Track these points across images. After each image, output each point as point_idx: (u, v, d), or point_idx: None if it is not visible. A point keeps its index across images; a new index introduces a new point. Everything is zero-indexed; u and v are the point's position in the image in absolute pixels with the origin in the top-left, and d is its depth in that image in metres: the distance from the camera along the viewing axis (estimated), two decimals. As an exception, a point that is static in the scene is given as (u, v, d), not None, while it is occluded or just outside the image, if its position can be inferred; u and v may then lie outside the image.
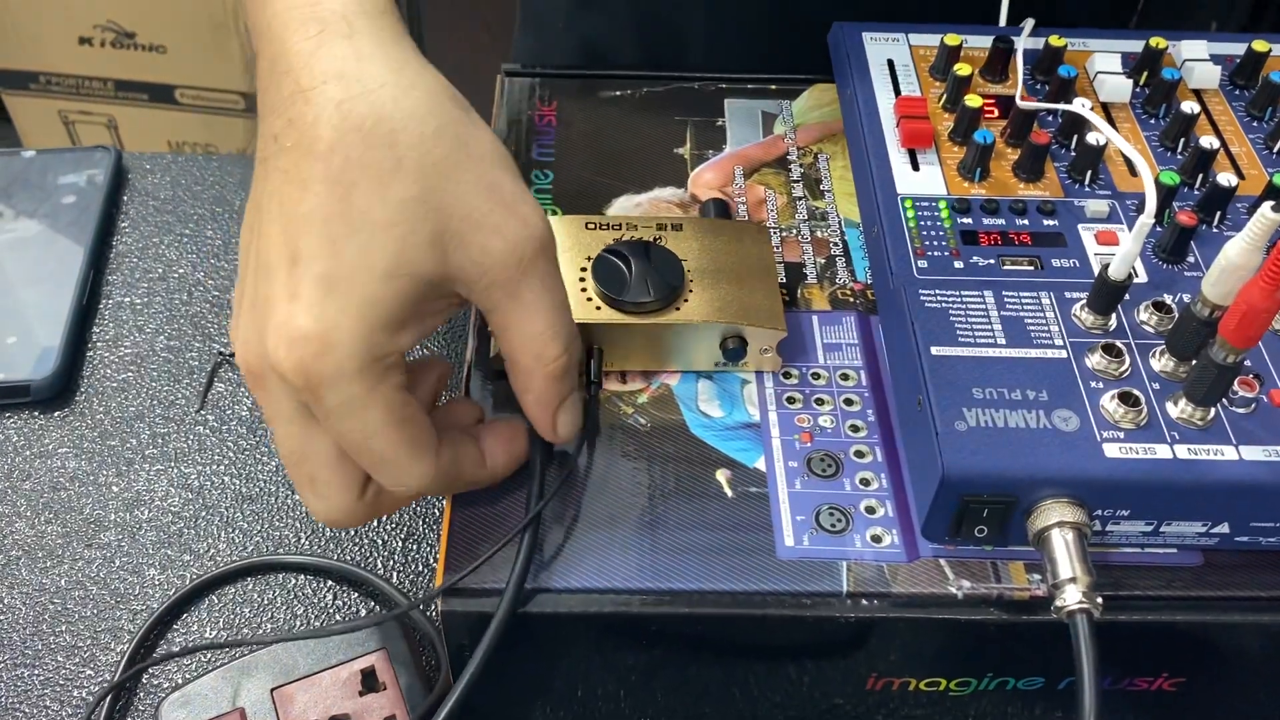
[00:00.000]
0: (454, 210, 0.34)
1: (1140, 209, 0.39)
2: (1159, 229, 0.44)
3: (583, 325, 0.41)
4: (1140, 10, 0.70)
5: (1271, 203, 0.34)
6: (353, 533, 0.51)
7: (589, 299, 0.42)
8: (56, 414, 0.55)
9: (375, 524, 0.51)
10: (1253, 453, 0.37)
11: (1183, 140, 0.47)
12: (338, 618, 0.48)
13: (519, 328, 0.36)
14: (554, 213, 0.50)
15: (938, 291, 0.41)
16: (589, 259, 0.43)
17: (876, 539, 0.39)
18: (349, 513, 0.37)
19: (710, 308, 0.42)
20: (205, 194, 0.66)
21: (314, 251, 0.34)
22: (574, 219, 0.45)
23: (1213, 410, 0.37)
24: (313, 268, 0.33)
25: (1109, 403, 0.37)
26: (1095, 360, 0.39)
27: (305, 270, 0.33)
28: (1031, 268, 0.42)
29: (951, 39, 0.51)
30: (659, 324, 0.42)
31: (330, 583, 0.49)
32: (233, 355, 0.57)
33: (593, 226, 0.45)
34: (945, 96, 0.50)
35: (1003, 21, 0.54)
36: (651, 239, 0.44)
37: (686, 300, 0.43)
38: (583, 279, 0.43)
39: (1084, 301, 0.40)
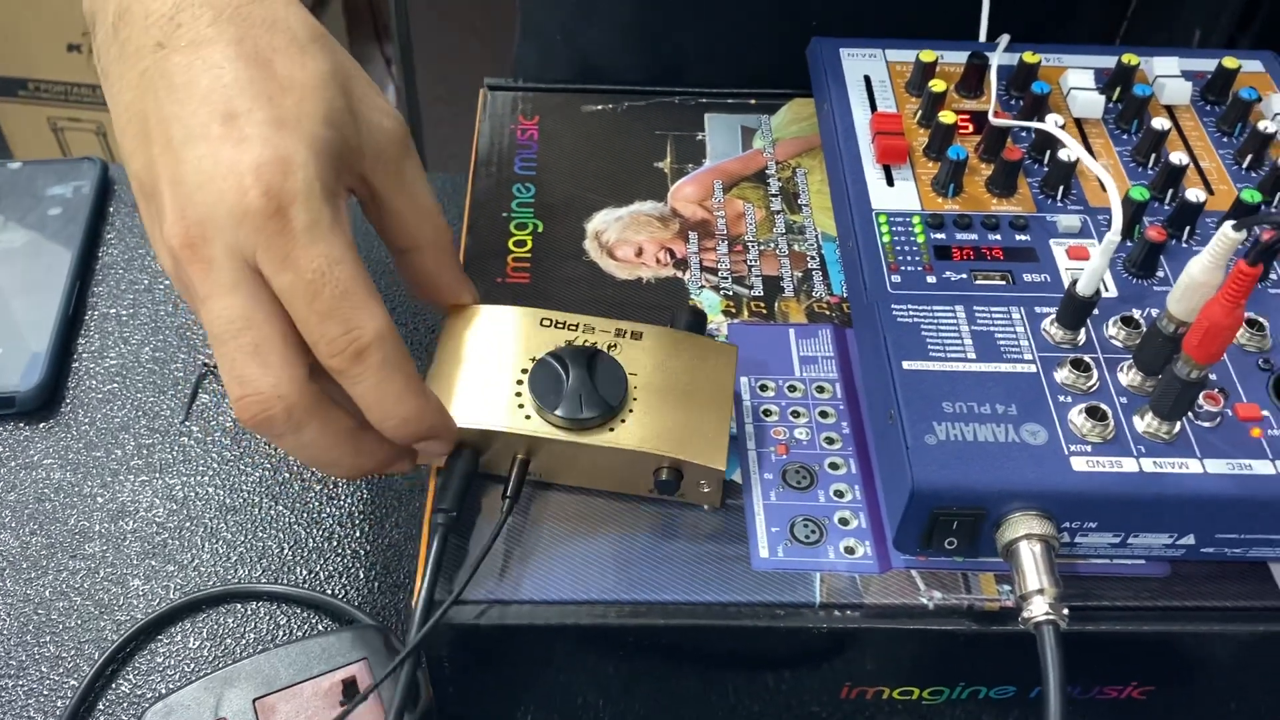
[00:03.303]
0: (354, 91, 0.39)
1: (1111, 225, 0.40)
2: (1129, 244, 0.44)
3: (509, 434, 0.40)
4: (1129, 18, 0.71)
5: (1233, 222, 0.35)
6: (334, 542, 0.51)
7: (520, 405, 0.40)
8: (41, 425, 0.55)
9: (357, 535, 0.52)
10: (1217, 466, 0.37)
11: (1154, 155, 0.48)
12: (320, 627, 0.49)
13: (413, 204, 0.41)
14: (536, 226, 0.51)
15: (910, 306, 0.42)
16: (532, 360, 0.41)
17: (850, 550, 0.40)
18: (299, 387, 0.35)
19: (646, 433, 0.40)
20: (191, 205, 0.66)
21: (251, 106, 0.35)
22: (530, 313, 0.43)
23: (1178, 424, 0.38)
24: (255, 116, 0.35)
25: (1077, 417, 0.38)
26: (1064, 375, 0.39)
27: (247, 120, 0.35)
28: (1003, 282, 0.43)
29: (927, 55, 0.51)
30: (589, 444, 0.39)
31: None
32: (217, 367, 0.58)
33: (547, 324, 0.43)
34: (920, 112, 0.50)
35: (982, 37, 0.54)
36: (607, 345, 0.42)
37: (624, 421, 0.40)
38: (520, 382, 0.41)
39: (1053, 316, 0.41)
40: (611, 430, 0.40)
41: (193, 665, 0.48)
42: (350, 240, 0.36)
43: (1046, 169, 0.47)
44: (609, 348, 0.42)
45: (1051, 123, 0.47)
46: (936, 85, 0.49)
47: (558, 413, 0.39)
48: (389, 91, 1.81)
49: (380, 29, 1.78)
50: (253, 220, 0.34)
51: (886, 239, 0.45)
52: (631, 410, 0.40)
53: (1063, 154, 0.46)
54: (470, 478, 0.40)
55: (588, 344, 0.42)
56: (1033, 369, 0.40)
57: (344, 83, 0.38)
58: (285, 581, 0.50)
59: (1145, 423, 0.38)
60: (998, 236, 0.45)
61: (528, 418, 0.40)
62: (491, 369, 0.42)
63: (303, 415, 0.36)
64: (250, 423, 0.36)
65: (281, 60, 0.37)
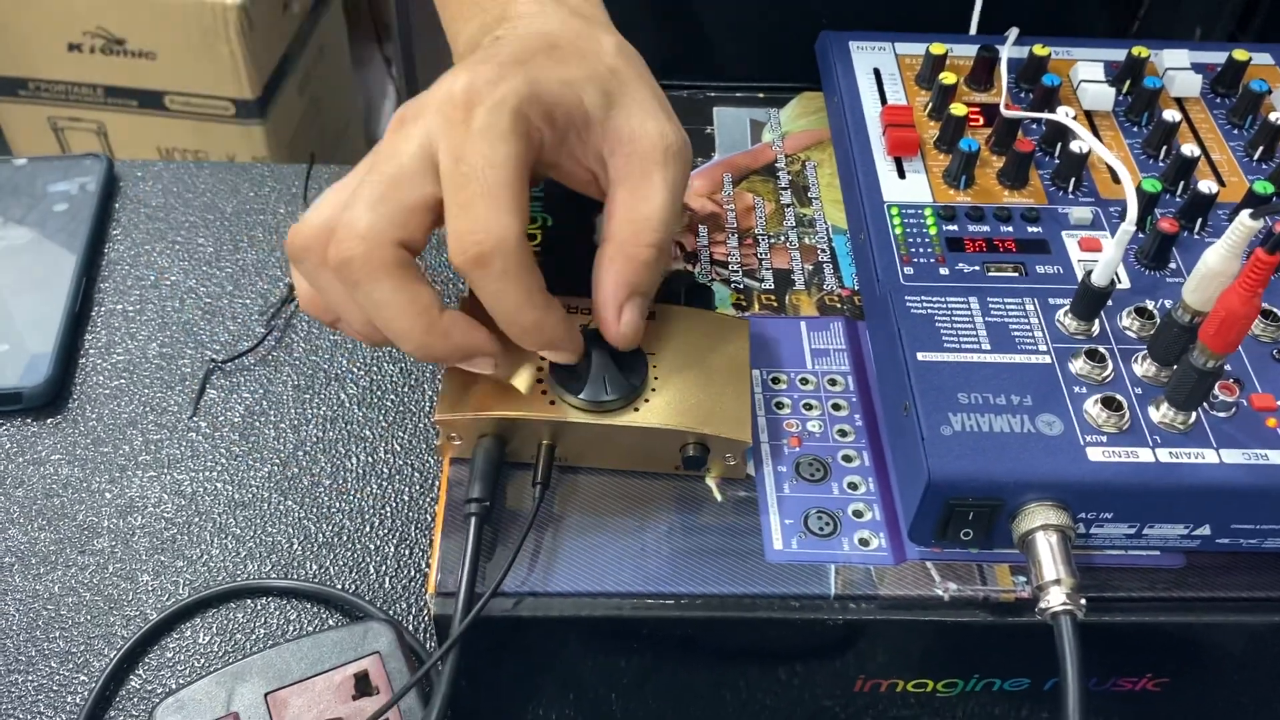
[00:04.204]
0: (622, 92, 0.41)
1: (1123, 216, 0.40)
2: (1141, 236, 0.44)
3: (535, 421, 0.40)
4: (1141, 18, 0.71)
5: (1249, 210, 0.35)
6: (344, 537, 0.51)
7: (544, 391, 0.40)
8: (49, 421, 0.55)
9: (367, 530, 0.51)
10: (1233, 456, 0.37)
11: (1164, 148, 0.48)
12: (330, 621, 0.49)
13: (632, 205, 0.40)
14: (545, 221, 0.50)
15: (923, 298, 0.42)
16: None
17: (864, 542, 0.39)
18: (384, 243, 0.37)
19: (671, 411, 0.40)
20: (196, 201, 0.66)
21: (522, 54, 0.40)
22: None
23: (1194, 414, 0.38)
24: (508, 55, 0.40)
25: (1092, 407, 0.38)
26: (1078, 365, 0.39)
27: (506, 57, 0.40)
28: (1016, 274, 0.43)
29: (937, 48, 0.51)
30: (615, 425, 0.40)
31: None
32: (224, 362, 0.58)
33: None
34: (931, 105, 0.50)
35: (972, 30, 0.55)
36: None
37: (647, 400, 0.40)
38: (541, 368, 0.41)
39: (1067, 307, 0.41)
40: (636, 410, 0.40)
41: (203, 660, 0.47)
42: (519, 161, 0.37)
43: (1058, 161, 0.47)
44: None
45: (1063, 114, 0.47)
46: (947, 78, 0.49)
47: (582, 397, 0.40)
48: (389, 92, 1.81)
49: (380, 29, 1.78)
50: (444, 108, 0.38)
51: (899, 231, 0.45)
52: (653, 389, 0.41)
53: (1074, 146, 0.46)
54: (499, 466, 0.40)
55: None
56: (1047, 360, 0.40)
57: (603, 87, 0.40)
58: (295, 576, 0.50)
59: (1161, 413, 0.38)
60: (1010, 228, 0.45)
61: (552, 403, 0.40)
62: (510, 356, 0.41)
63: (378, 268, 0.37)
64: (331, 258, 0.37)
65: (539, 60, 0.40)
